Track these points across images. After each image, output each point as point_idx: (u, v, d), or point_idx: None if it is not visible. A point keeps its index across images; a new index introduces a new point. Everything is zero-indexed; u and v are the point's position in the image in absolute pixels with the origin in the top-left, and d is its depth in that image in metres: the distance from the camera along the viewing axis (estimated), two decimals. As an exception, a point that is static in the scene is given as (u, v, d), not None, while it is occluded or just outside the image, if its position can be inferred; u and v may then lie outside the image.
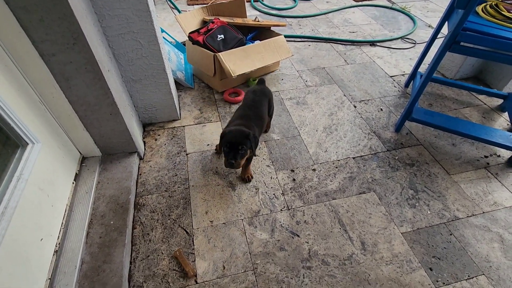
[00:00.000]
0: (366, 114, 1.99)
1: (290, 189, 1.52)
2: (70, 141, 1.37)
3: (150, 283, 1.15)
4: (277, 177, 1.58)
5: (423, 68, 2.24)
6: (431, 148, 1.76)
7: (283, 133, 1.84)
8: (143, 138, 1.77)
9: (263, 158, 1.68)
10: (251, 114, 1.49)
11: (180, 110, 1.99)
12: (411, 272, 1.22)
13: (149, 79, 1.62)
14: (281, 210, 1.43)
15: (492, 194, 1.51)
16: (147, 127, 1.85)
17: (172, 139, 1.79)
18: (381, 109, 2.03)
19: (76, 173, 1.40)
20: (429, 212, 1.43)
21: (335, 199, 1.48)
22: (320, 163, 1.66)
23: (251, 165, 1.59)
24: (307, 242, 1.30)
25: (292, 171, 1.62)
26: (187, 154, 1.70)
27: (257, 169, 1.62)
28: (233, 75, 1.92)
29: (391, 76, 2.36)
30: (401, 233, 1.35)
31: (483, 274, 1.21)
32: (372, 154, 1.72)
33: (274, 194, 1.50)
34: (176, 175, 1.58)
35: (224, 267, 1.21)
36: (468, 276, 1.21)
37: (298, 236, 1.33)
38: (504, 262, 1.25)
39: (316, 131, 1.86)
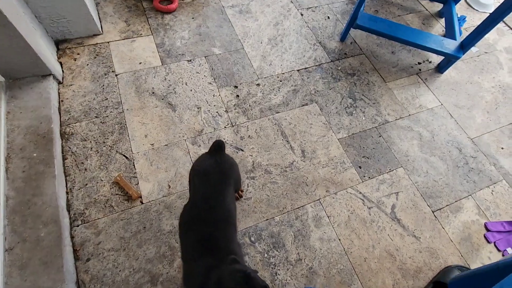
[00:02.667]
0: (313, 23, 1.88)
1: (234, 105, 1.48)
2: (-50, 63, 1.09)
3: (93, 209, 1.13)
4: (220, 95, 1.50)
5: (373, -31, 2.08)
6: (372, 57, 1.77)
7: (225, 46, 1.68)
8: (58, 58, 1.49)
9: (204, 75, 1.56)
10: (224, 230, 0.82)
11: (101, 22, 1.65)
12: (343, 171, 1.36)
13: (44, -24, 1.26)
14: (225, 127, 1.41)
15: (419, 98, 1.64)
16: (61, 44, 1.54)
17: (95, 58, 1.53)
18: (328, 17, 1.92)
19: (-26, 104, 1.16)
20: (364, 119, 1.53)
21: (279, 112, 1.49)
22: (265, 77, 1.60)
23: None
24: (251, 155, 1.34)
25: (236, 87, 1.54)
26: (116, 75, 1.49)
27: (198, 87, 1.51)
28: (159, -26, 1.58)
29: (340, -21, 2.17)
30: (338, 139, 1.45)
31: (402, 166, 1.41)
32: (316, 65, 1.69)
33: (217, 112, 1.45)
34: (107, 99, 1.41)
35: (169, 186, 1.22)
36: (389, 169, 1.39)
37: (243, 150, 1.35)
38: (419, 155, 1.45)
39: (261, 43, 1.73)
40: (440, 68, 1.74)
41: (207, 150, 1.31)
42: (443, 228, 1.27)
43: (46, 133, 1.19)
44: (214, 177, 0.87)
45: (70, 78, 1.44)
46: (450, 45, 1.60)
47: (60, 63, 1.47)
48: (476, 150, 1.50)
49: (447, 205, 1.33)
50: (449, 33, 1.74)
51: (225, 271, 0.69)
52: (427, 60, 1.80)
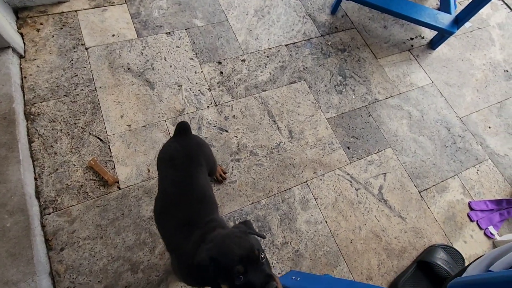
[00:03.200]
0: (302, -7, 1.74)
1: (218, 83, 1.38)
2: None
3: (65, 196, 1.05)
4: (202, 71, 1.40)
5: None
6: (364, 31, 1.68)
7: (207, 18, 1.55)
8: (18, 28, 1.33)
9: (185, 50, 1.44)
10: (204, 208, 0.78)
11: (66, -13, 1.47)
12: (331, 152, 1.32)
13: None
14: (208, 106, 1.32)
15: (410, 76, 1.59)
16: (21, 12, 1.36)
17: (61, 29, 1.37)
18: (319, -13, 1.79)
19: None
20: (353, 97, 1.47)
21: (265, 90, 1.40)
22: (250, 53, 1.49)
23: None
24: (236, 136, 1.28)
25: (219, 63, 1.44)
26: (86, 49, 1.35)
27: (178, 63, 1.40)
28: None
29: None
30: (326, 119, 1.39)
31: (390, 147, 1.38)
32: (305, 40, 1.59)
33: (199, 90, 1.35)
34: (76, 75, 1.29)
35: (149, 170, 1.15)
36: (378, 150, 1.36)
37: (227, 131, 1.28)
38: (408, 135, 1.42)
39: (247, 15, 1.60)
40: (433, 44, 1.67)
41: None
42: (428, 208, 1.28)
43: (7, 113, 1.07)
44: (181, 161, 0.81)
45: (33, 51, 1.29)
46: (444, 20, 1.53)
47: (21, 34, 1.31)
48: (464, 130, 1.49)
49: (433, 185, 1.33)
50: (444, 6, 1.66)
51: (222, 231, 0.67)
52: (420, 36, 1.73)
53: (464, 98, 1.58)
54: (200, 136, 1.25)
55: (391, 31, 1.71)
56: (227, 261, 0.58)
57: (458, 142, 1.45)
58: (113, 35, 1.41)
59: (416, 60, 1.65)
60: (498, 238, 1.25)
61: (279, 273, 1.06)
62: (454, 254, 1.16)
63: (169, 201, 0.77)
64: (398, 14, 1.52)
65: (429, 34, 1.73)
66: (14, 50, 1.22)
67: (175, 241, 0.74)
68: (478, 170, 1.40)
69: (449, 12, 1.58)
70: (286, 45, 1.55)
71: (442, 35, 1.59)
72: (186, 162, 0.81)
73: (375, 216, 1.22)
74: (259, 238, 0.68)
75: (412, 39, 1.71)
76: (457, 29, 1.52)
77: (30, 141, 1.12)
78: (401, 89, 1.54)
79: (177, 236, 0.74)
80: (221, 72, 1.41)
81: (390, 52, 1.64)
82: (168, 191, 0.78)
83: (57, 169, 1.09)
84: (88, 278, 0.96)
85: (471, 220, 1.28)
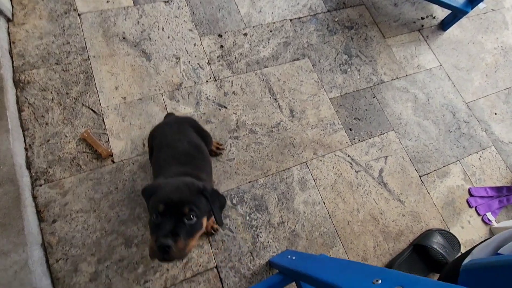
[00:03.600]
0: (310, -36, 1.64)
1: (218, 57, 1.32)
2: None
3: (57, 167, 1.02)
4: (201, 44, 1.33)
5: None
6: (373, 8, 1.60)
7: (208, -13, 1.46)
8: (6, -11, 1.24)
9: (184, 21, 1.36)
10: (199, 156, 0.85)
11: None
12: (333, 133, 1.28)
13: None
14: (206, 81, 1.27)
15: (418, 57, 1.52)
16: (8, -27, 1.27)
17: (52, -8, 1.29)
18: (328, -42, 1.68)
19: None
20: (358, 77, 1.42)
21: (267, 67, 1.35)
22: (253, 27, 1.42)
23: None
24: (235, 113, 1.23)
25: (220, 36, 1.37)
26: (79, 15, 1.27)
27: (176, 34, 1.33)
28: None
29: None
30: (329, 99, 1.34)
31: (393, 130, 1.34)
32: (311, 15, 1.51)
33: (198, 63, 1.29)
34: (68, 42, 1.22)
35: (144, 145, 1.11)
36: (380, 132, 1.33)
37: (226, 107, 1.23)
38: (412, 118, 1.38)
39: (250, -15, 1.51)
40: (444, 25, 1.60)
41: (186, 106, 1.20)
42: (428, 193, 1.26)
43: (-5, 80, 1.02)
44: (174, 123, 0.91)
45: (22, 15, 1.22)
46: (458, -2, 1.45)
47: (9, -4, 1.23)
48: (470, 115, 1.45)
49: (434, 170, 1.30)
50: (459, -16, 1.57)
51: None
52: (431, 15, 1.64)
53: (472, 83, 1.53)
54: (198, 112, 1.20)
55: (402, 9, 1.63)
56: (158, 195, 0.62)
57: (462, 128, 1.41)
58: (108, 1, 1.33)
59: (426, 41, 1.58)
60: (495, 224, 1.24)
61: (274, 252, 1.05)
62: (451, 239, 1.15)
63: (167, 143, 0.83)
64: (410, -10, 1.44)
65: (441, 14, 1.65)
66: (1, 12, 1.14)
67: (161, 168, 0.80)
68: (480, 156, 1.38)
69: (464, -10, 1.49)
70: (290, 20, 1.47)
71: (455, 15, 1.52)
72: (178, 124, 0.91)
73: (373, 199, 1.20)
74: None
75: (423, 18, 1.63)
76: (471, 8, 1.44)
77: (20, 110, 1.07)
78: (408, 70, 1.48)
79: (168, 160, 0.80)
80: (222, 46, 1.35)
81: (399, 32, 1.57)
82: (166, 134, 0.86)
83: (48, 140, 1.05)
84: (81, 251, 0.94)
85: (470, 206, 1.27)
